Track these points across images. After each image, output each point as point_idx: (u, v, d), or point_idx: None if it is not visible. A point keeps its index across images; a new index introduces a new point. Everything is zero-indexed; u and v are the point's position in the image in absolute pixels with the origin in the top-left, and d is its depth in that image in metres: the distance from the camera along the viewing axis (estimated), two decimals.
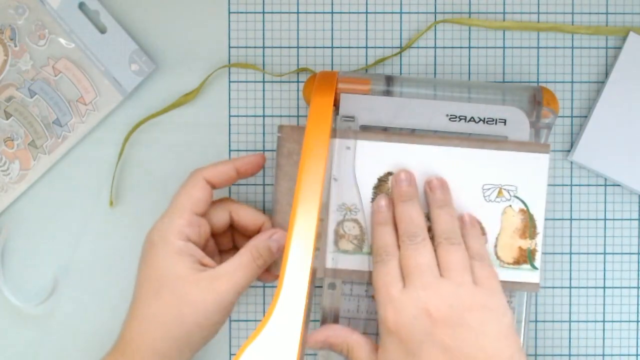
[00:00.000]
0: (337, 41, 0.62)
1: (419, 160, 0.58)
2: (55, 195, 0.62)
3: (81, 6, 0.61)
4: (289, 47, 0.62)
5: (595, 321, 0.62)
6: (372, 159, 0.58)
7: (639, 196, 0.62)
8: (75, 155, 0.62)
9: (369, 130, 0.58)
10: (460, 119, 0.58)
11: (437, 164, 0.58)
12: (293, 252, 0.52)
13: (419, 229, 0.56)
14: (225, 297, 0.54)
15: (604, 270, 0.63)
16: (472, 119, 0.58)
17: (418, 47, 0.62)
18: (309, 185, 0.54)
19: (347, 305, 0.59)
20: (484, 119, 0.58)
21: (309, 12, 0.62)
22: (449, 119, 0.58)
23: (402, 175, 0.58)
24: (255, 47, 0.62)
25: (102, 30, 0.61)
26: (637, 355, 0.63)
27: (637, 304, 0.63)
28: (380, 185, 0.58)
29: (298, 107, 0.62)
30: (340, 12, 0.62)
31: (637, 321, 0.63)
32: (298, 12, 0.62)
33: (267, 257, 0.57)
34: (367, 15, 0.62)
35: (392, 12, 0.62)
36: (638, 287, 0.63)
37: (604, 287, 0.62)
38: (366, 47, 0.62)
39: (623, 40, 0.62)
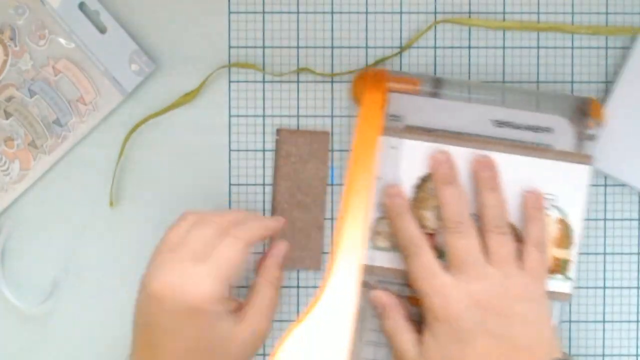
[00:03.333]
0: (337, 41, 0.62)
1: (463, 163, 0.58)
2: (55, 196, 0.62)
3: (81, 6, 0.61)
4: (289, 47, 0.62)
5: (595, 321, 0.62)
6: (416, 158, 0.58)
7: (639, 196, 0.62)
8: (75, 155, 0.62)
9: (415, 130, 0.58)
10: (506, 125, 0.58)
11: None
12: (344, 242, 0.53)
13: (464, 215, 0.56)
14: (264, 333, 0.55)
15: (604, 270, 0.63)
16: (517, 126, 0.58)
17: (418, 47, 0.62)
18: (360, 183, 0.55)
19: None
20: (530, 126, 0.58)
21: (309, 12, 0.62)
22: (495, 124, 0.58)
23: (441, 157, 0.57)
24: (255, 47, 0.62)
25: (102, 31, 0.61)
26: (637, 355, 0.63)
27: (637, 304, 0.63)
28: (422, 185, 0.58)
29: (298, 107, 0.62)
30: (340, 12, 0.62)
31: (637, 321, 0.63)
32: (298, 12, 0.62)
33: (279, 274, 0.57)
34: (367, 15, 0.62)
35: (392, 12, 0.62)
36: (638, 287, 0.63)
37: (604, 287, 0.62)
38: (366, 47, 0.62)
39: (623, 40, 0.62)
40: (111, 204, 0.62)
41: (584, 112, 0.58)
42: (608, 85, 0.62)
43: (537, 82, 0.62)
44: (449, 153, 0.57)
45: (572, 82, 0.62)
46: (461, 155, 0.58)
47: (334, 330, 0.51)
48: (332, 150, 0.62)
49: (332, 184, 0.62)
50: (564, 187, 0.58)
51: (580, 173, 0.58)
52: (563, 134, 0.58)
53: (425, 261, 0.55)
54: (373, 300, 0.57)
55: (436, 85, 0.59)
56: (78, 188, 0.62)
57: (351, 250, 0.53)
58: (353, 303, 0.52)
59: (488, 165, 0.57)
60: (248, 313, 0.55)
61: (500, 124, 0.59)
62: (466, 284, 0.54)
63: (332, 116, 0.62)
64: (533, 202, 0.57)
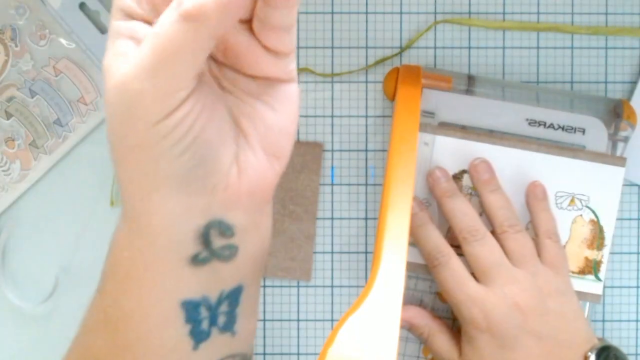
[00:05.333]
0: (337, 41, 0.62)
1: (495, 161, 0.58)
2: (56, 195, 0.62)
3: (82, 6, 0.61)
4: None
5: (595, 321, 0.62)
6: (448, 155, 0.58)
7: (639, 195, 0.62)
8: (76, 155, 0.62)
9: (448, 127, 0.58)
10: (540, 125, 0.59)
11: (513, 166, 0.58)
12: (389, 228, 0.52)
13: (477, 222, 0.56)
14: (129, 91, 0.34)
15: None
16: (551, 126, 0.59)
17: (418, 47, 0.63)
18: (401, 174, 0.54)
19: (410, 299, 0.59)
20: (563, 126, 0.59)
21: (309, 12, 0.62)
22: (529, 123, 0.59)
23: (437, 173, 0.57)
24: None
25: (103, 31, 0.61)
26: (636, 355, 0.62)
27: (637, 304, 0.63)
28: (455, 182, 0.58)
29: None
30: (341, 12, 0.62)
31: (637, 321, 0.63)
32: (298, 12, 0.62)
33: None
34: (367, 16, 0.62)
35: (392, 12, 0.62)
36: (638, 287, 0.63)
37: (604, 287, 0.62)
38: (366, 47, 0.62)
39: (623, 40, 0.62)
40: (112, 203, 0.62)
41: (617, 113, 0.58)
42: (608, 85, 0.62)
43: (537, 81, 0.62)
44: (443, 168, 0.58)
45: (571, 82, 0.63)
46: (494, 154, 0.58)
47: (385, 320, 0.51)
48: (332, 150, 0.62)
49: (332, 184, 0.62)
50: (596, 188, 0.58)
51: (613, 175, 0.58)
52: (596, 135, 0.58)
53: (455, 271, 0.55)
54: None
55: (470, 83, 0.59)
56: (79, 188, 0.62)
57: (397, 242, 0.52)
58: (401, 293, 0.52)
59: (485, 168, 0.57)
60: None
61: (534, 123, 0.59)
62: (500, 289, 0.54)
63: (332, 116, 0.62)
64: (535, 193, 0.57)
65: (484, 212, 0.57)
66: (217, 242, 0.38)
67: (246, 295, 0.41)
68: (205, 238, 0.38)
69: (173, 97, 0.34)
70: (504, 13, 0.63)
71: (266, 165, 0.39)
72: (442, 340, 0.56)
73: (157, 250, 0.38)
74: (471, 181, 0.58)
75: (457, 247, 0.56)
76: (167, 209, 0.37)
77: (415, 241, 0.57)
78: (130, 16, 0.36)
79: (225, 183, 0.38)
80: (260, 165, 0.38)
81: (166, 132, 0.35)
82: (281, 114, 0.38)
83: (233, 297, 0.40)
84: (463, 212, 0.56)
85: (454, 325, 0.58)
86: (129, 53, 0.35)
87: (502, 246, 0.55)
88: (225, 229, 0.38)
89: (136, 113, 0.34)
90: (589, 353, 0.53)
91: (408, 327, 0.57)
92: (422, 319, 0.57)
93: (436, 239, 0.56)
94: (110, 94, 0.35)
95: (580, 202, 0.58)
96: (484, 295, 0.54)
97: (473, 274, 0.55)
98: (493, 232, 0.56)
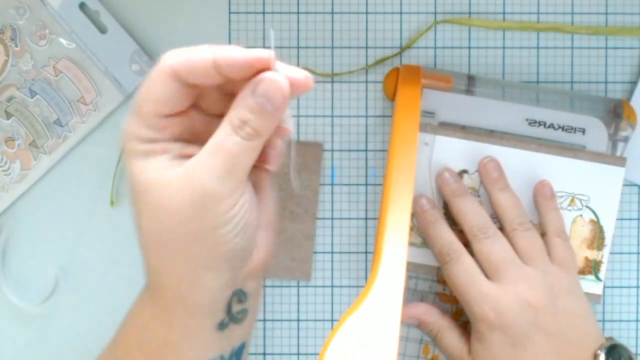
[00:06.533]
0: (337, 41, 0.62)
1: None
2: (56, 195, 0.62)
3: (82, 6, 0.61)
4: (289, 47, 0.62)
5: (629, 320, 0.62)
6: (448, 155, 0.58)
7: (639, 195, 0.62)
8: (76, 155, 0.62)
9: (448, 127, 0.58)
10: (540, 125, 0.59)
11: (513, 166, 0.58)
12: (389, 228, 0.53)
13: (486, 220, 0.56)
14: (206, 192, 0.41)
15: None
16: (551, 126, 0.59)
17: (418, 47, 0.63)
18: (401, 174, 0.54)
19: (411, 299, 0.59)
20: (563, 126, 0.59)
21: (309, 12, 0.62)
22: (529, 123, 0.59)
23: (447, 175, 0.58)
24: (255, 47, 0.62)
25: (103, 31, 0.61)
26: (637, 354, 0.63)
27: (637, 304, 0.63)
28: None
29: (298, 107, 0.62)
30: (341, 12, 0.62)
31: (637, 321, 0.63)
32: (298, 12, 0.62)
33: (257, 123, 0.42)
34: (367, 16, 0.62)
35: (392, 12, 0.62)
36: (638, 287, 0.63)
37: (604, 287, 0.62)
38: (366, 47, 0.62)
39: (622, 40, 0.62)
40: (112, 203, 0.62)
41: (617, 113, 0.59)
42: (608, 85, 0.63)
43: (537, 81, 0.62)
44: (452, 170, 0.58)
45: (571, 82, 0.63)
46: (494, 154, 0.58)
47: (385, 319, 0.51)
48: (332, 150, 0.62)
49: (332, 184, 0.62)
50: (597, 188, 0.58)
51: (613, 175, 0.58)
52: (596, 135, 0.59)
53: (467, 267, 0.55)
54: (406, 318, 0.57)
55: (470, 83, 0.59)
56: (79, 188, 0.62)
57: (397, 242, 0.53)
58: (401, 293, 0.52)
59: (496, 167, 0.57)
60: (187, 165, 0.42)
61: (534, 123, 0.59)
62: (512, 287, 0.54)
63: (332, 116, 0.62)
64: (543, 192, 0.57)
65: (492, 210, 0.57)
66: (235, 307, 0.45)
67: (246, 350, 0.48)
68: (229, 306, 0.45)
69: (237, 192, 0.42)
70: (504, 13, 0.63)
71: (270, 240, 0.46)
72: (451, 337, 0.56)
73: (197, 320, 0.44)
74: (480, 179, 0.58)
75: (466, 247, 0.56)
76: (214, 284, 0.44)
77: (426, 238, 0.57)
78: (151, 141, 0.43)
79: (251, 259, 0.45)
80: (267, 241, 0.46)
81: (231, 217, 0.42)
82: (272, 197, 0.47)
83: (239, 353, 0.47)
84: (473, 211, 0.56)
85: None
86: (172, 165, 0.42)
87: (512, 244, 0.55)
88: (242, 296, 0.46)
89: (210, 207, 0.41)
90: (599, 351, 0.54)
91: (417, 324, 0.57)
92: (432, 315, 0.57)
93: (448, 236, 0.56)
94: (180, 196, 0.42)
95: (580, 202, 0.58)
96: (496, 293, 0.54)
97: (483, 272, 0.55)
98: (502, 230, 0.56)
